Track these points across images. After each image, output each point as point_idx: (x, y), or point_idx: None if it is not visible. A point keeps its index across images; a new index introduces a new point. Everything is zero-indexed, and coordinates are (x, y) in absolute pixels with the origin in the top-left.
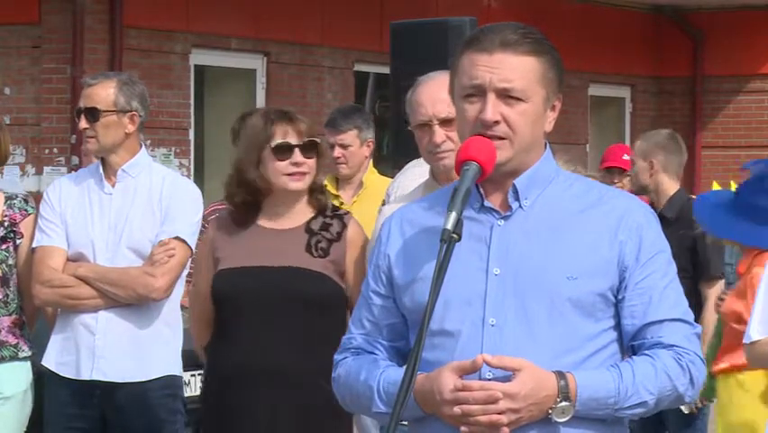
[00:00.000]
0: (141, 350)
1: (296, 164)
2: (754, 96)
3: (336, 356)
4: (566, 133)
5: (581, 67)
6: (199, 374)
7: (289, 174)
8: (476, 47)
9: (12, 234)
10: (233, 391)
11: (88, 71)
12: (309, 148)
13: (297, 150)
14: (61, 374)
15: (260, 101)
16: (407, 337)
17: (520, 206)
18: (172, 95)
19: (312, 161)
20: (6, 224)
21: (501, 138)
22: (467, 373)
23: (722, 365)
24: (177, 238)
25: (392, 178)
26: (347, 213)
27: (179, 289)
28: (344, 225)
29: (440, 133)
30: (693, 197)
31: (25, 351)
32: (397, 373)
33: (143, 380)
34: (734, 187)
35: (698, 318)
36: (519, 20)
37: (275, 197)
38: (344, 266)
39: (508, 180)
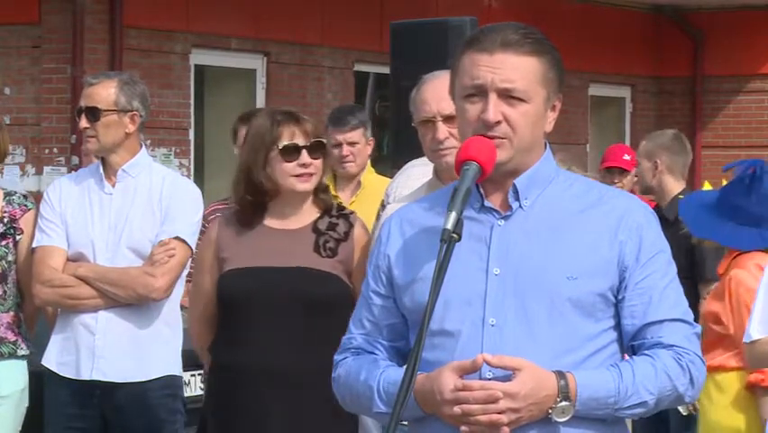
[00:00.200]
0: (140, 350)
1: (303, 165)
2: (754, 96)
3: (336, 356)
4: (566, 133)
5: (581, 67)
6: (199, 374)
7: (297, 175)
8: (477, 47)
9: (12, 231)
10: (240, 390)
11: (88, 71)
12: (316, 149)
13: (304, 151)
14: (61, 374)
15: (260, 101)
16: (407, 337)
17: (520, 206)
18: (172, 95)
19: (318, 162)
20: (6, 220)
21: (502, 138)
22: (467, 373)
23: None
24: (177, 238)
25: (391, 178)
26: (353, 213)
27: (179, 289)
28: (351, 225)
29: (443, 130)
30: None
31: (23, 349)
32: (397, 373)
33: (143, 380)
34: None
35: (697, 319)
36: (519, 20)
37: (282, 197)
38: (352, 266)
39: (509, 180)
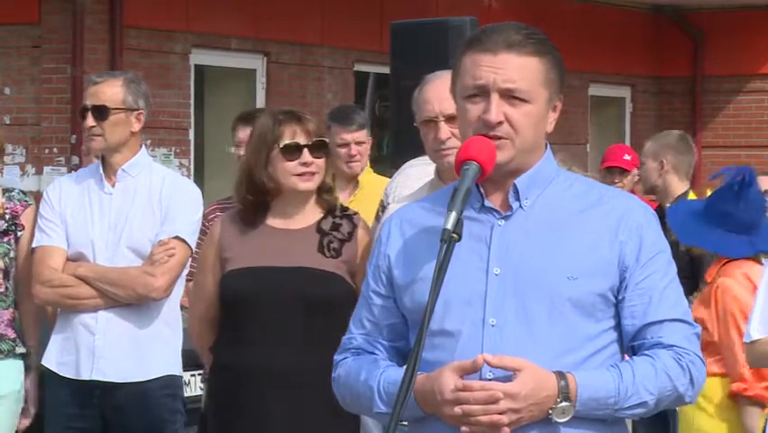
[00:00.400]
0: (140, 350)
1: (304, 164)
2: (754, 96)
3: (336, 356)
4: (566, 133)
5: (581, 67)
6: (199, 374)
7: (299, 174)
8: (479, 47)
9: (13, 227)
10: (242, 391)
11: (88, 71)
12: (318, 148)
13: (305, 150)
14: (61, 374)
15: (260, 101)
16: (408, 337)
17: (521, 206)
18: (172, 95)
19: (321, 161)
20: (8, 216)
21: (504, 138)
22: (467, 373)
23: None
24: (177, 238)
25: (390, 178)
26: (356, 213)
27: (179, 288)
28: (355, 226)
29: (445, 130)
30: (695, 197)
31: (21, 348)
32: (397, 373)
33: (143, 380)
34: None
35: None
36: (519, 20)
37: (284, 197)
38: (356, 267)
39: (509, 180)
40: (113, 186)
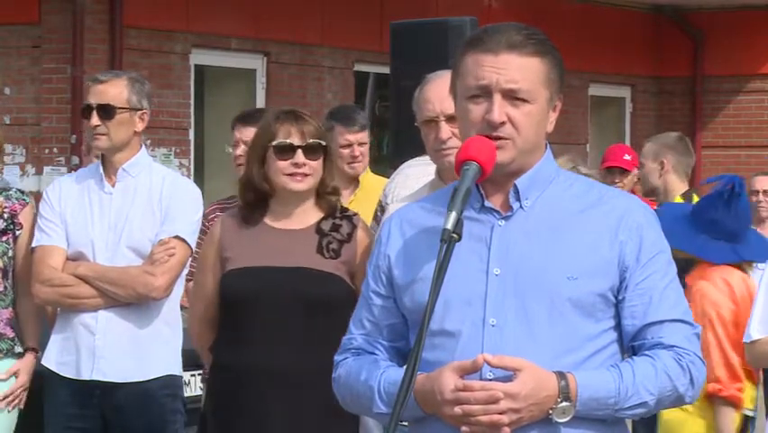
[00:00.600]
0: (140, 350)
1: (296, 165)
2: (754, 96)
3: (336, 357)
4: (566, 133)
5: (581, 67)
6: (199, 374)
7: (290, 174)
8: (481, 48)
9: (12, 226)
10: (241, 390)
11: (88, 71)
12: (313, 150)
13: (299, 151)
14: (62, 374)
15: (260, 101)
16: (408, 338)
17: (521, 206)
18: (172, 95)
19: (315, 163)
20: (6, 216)
21: (506, 139)
22: (468, 373)
23: None
24: (177, 237)
25: (389, 178)
26: (356, 214)
27: (179, 288)
28: (354, 227)
29: (446, 130)
30: (697, 198)
31: (20, 347)
32: (397, 374)
33: (143, 380)
34: (696, 200)
35: None
36: (519, 20)
37: (279, 196)
38: (355, 267)
39: (509, 181)
40: (113, 186)
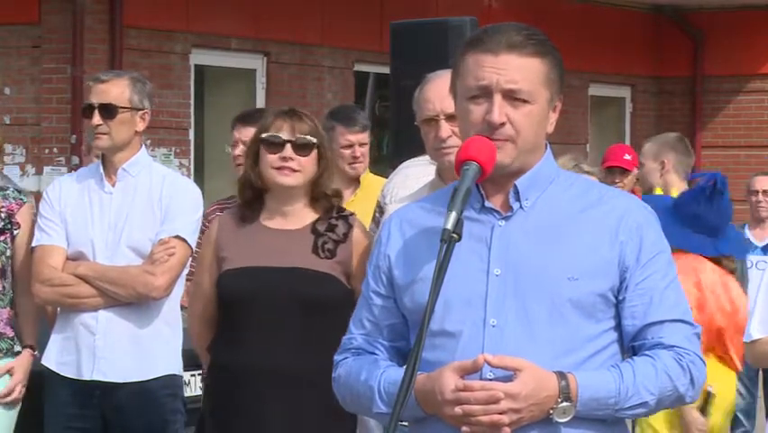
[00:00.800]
0: (141, 350)
1: (284, 159)
2: (754, 96)
3: (336, 357)
4: (566, 133)
5: (581, 67)
6: (199, 374)
7: (278, 168)
8: (481, 48)
9: (9, 225)
10: (238, 390)
11: (88, 71)
12: (303, 146)
13: (288, 145)
14: (62, 374)
15: (260, 101)
16: (408, 338)
17: (521, 206)
18: (172, 95)
19: (305, 160)
20: (3, 215)
21: (505, 140)
22: (468, 373)
23: None
24: (177, 237)
25: (388, 178)
26: (352, 214)
27: (179, 288)
28: (350, 227)
29: (446, 129)
30: None
31: (19, 346)
32: (397, 374)
33: (143, 379)
34: (675, 194)
35: None
36: (519, 20)
37: (272, 193)
38: (351, 267)
39: (510, 181)
40: (113, 185)
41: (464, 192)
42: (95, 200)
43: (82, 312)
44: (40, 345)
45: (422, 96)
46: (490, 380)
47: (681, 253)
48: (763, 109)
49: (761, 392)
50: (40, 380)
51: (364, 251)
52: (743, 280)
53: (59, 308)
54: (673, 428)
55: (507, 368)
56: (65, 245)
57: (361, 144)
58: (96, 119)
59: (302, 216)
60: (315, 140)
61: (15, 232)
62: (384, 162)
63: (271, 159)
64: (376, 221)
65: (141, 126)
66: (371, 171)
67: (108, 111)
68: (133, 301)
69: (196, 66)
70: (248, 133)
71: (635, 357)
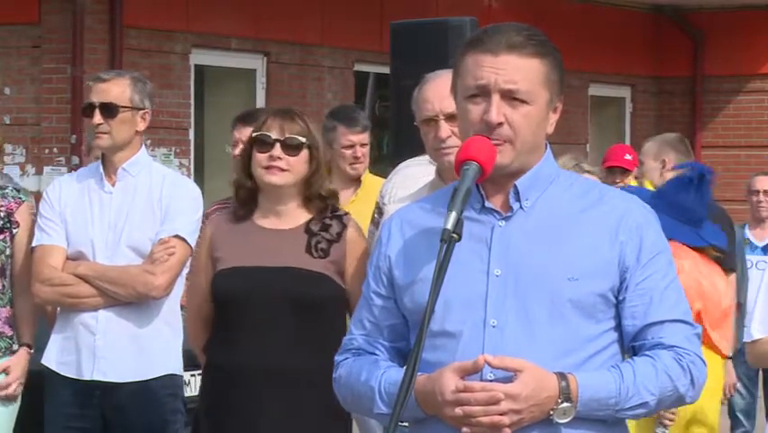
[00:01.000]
0: (141, 350)
1: (272, 157)
2: (754, 96)
3: (337, 357)
4: (566, 133)
5: (581, 67)
6: (199, 374)
7: (266, 167)
8: (481, 48)
9: (9, 224)
10: (233, 390)
11: (88, 71)
12: (292, 146)
13: (277, 144)
14: (62, 374)
15: (260, 101)
16: (408, 338)
17: (521, 206)
18: (172, 95)
19: (294, 159)
20: (3, 214)
21: (504, 141)
22: (468, 374)
23: None
24: (177, 236)
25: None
26: (346, 214)
27: (179, 287)
28: (344, 226)
29: (445, 129)
30: None
31: (17, 345)
32: (398, 374)
33: (144, 379)
34: (649, 185)
35: None
36: (520, 20)
37: (264, 192)
38: (344, 267)
39: (510, 181)
40: (113, 185)
41: (464, 192)
42: (95, 200)
43: (82, 312)
44: (40, 345)
45: (421, 96)
46: (491, 380)
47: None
48: (763, 109)
49: (761, 392)
50: (40, 380)
51: (358, 250)
52: (743, 280)
53: (58, 308)
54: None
55: (508, 369)
56: (65, 245)
57: (362, 144)
58: (97, 118)
59: (295, 215)
60: (304, 140)
61: (15, 231)
62: (384, 162)
63: (260, 158)
64: (375, 222)
65: (141, 126)
66: (371, 172)
67: (109, 110)
68: (133, 301)
69: (196, 66)
70: (248, 133)
71: (635, 357)
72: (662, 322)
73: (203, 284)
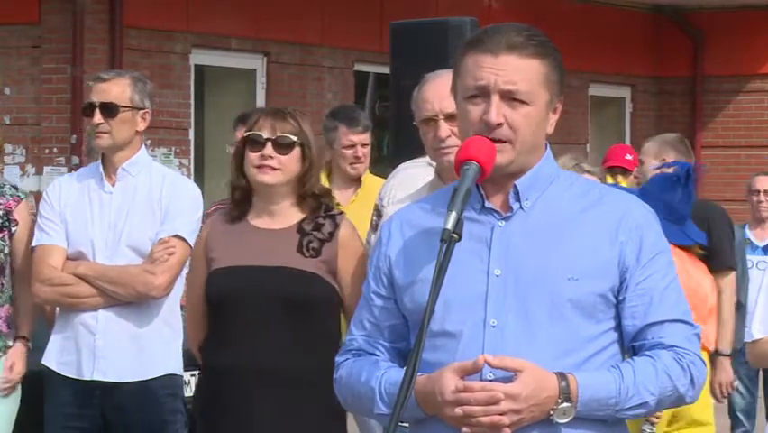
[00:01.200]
0: (141, 349)
1: (263, 156)
2: (754, 96)
3: (337, 358)
4: (566, 133)
5: (581, 67)
6: (200, 374)
7: (258, 166)
8: (481, 48)
9: (7, 223)
10: (226, 390)
11: (88, 71)
12: (283, 145)
13: (268, 143)
14: (62, 374)
15: (260, 101)
16: (409, 338)
17: (521, 207)
18: (172, 95)
19: (285, 158)
20: (1, 212)
21: (503, 141)
22: (468, 374)
23: None
24: (177, 236)
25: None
26: (340, 213)
27: (179, 288)
28: (337, 226)
29: (445, 129)
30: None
31: (11, 342)
32: (398, 374)
33: (143, 379)
34: (623, 183)
35: None
36: (520, 20)
37: (257, 192)
38: (336, 266)
39: (510, 181)
40: (113, 185)
41: (464, 192)
42: (94, 200)
43: (82, 312)
44: (40, 345)
45: (420, 96)
46: (491, 380)
47: None
48: (763, 109)
49: (761, 392)
50: (40, 380)
51: (350, 250)
52: (743, 281)
53: (58, 308)
54: None
55: (508, 369)
56: (65, 245)
57: (363, 145)
58: (98, 118)
59: (288, 215)
60: (296, 138)
61: (13, 229)
62: (384, 163)
63: (252, 157)
64: (374, 225)
65: (141, 126)
66: (371, 172)
67: (109, 110)
68: (133, 301)
69: (196, 66)
70: None
71: (635, 357)
72: (662, 322)
73: (199, 285)
